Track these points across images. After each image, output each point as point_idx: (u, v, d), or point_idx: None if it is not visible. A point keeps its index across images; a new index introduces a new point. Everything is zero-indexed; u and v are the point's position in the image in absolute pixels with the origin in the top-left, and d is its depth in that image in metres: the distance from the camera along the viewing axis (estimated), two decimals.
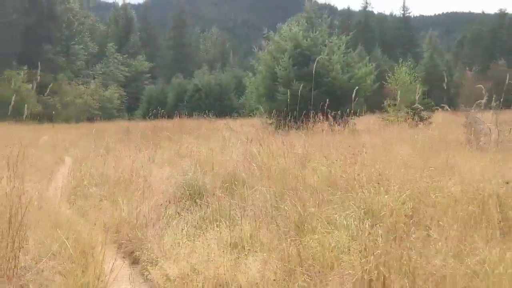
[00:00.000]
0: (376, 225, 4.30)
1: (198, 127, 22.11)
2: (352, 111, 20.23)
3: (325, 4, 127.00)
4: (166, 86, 60.09)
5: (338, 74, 18.82)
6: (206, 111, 47.16)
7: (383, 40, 71.37)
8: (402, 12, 78.54)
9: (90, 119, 51.90)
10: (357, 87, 20.14)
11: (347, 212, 4.76)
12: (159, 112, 39.59)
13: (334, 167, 6.56)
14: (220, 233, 4.96)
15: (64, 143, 17.48)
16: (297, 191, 5.73)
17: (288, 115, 18.35)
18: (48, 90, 56.94)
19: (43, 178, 9.26)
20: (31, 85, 51.86)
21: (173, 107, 57.12)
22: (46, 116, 49.95)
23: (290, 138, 12.78)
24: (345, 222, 4.52)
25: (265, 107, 20.43)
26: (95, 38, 67.68)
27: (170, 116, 52.13)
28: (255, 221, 5.07)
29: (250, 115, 50.29)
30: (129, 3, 75.42)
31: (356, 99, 21.11)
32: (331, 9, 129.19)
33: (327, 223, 4.62)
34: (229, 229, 5.01)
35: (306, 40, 19.44)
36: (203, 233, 5.19)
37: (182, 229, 5.42)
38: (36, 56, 58.06)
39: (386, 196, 4.88)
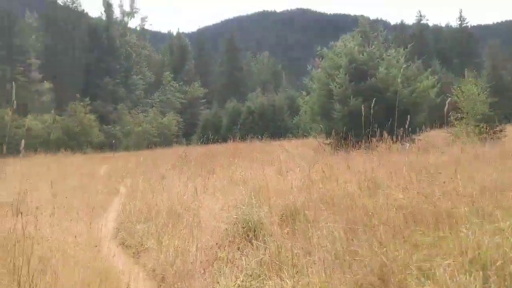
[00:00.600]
0: (489, 280, 3.14)
1: (252, 150, 21.30)
2: (416, 127, 18.86)
3: (377, 19, 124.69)
4: (220, 110, 60.18)
5: (399, 88, 17.47)
6: (260, 133, 46.76)
7: (440, 52, 68.45)
8: (459, 22, 75.32)
9: (150, 146, 52.68)
10: (419, 101, 18.81)
11: (446, 261, 3.59)
12: (213, 136, 39.26)
13: (414, 195, 5.39)
14: (282, 286, 3.95)
15: (122, 171, 17.12)
16: (372, 228, 4.64)
17: (347, 134, 17.22)
18: (109, 120, 58.92)
19: (95, 213, 8.70)
20: (93, 116, 53.78)
21: (228, 131, 56.91)
22: (108, 145, 51.34)
23: (353, 160, 11.65)
24: (446, 275, 3.36)
25: (321, 126, 19.33)
26: (152, 68, 69.39)
27: (224, 140, 52.28)
28: (325, 270, 4.02)
29: (305, 136, 49.28)
30: (182, 32, 77.15)
31: (420, 114, 19.62)
32: (384, 24, 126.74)
33: (421, 275, 3.50)
34: (293, 280, 4.00)
35: (362, 55, 18.29)
36: (261, 285, 4.20)
37: (237, 278, 4.46)
38: (98, 88, 60.26)
39: (497, 237, 3.69)
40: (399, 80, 17.56)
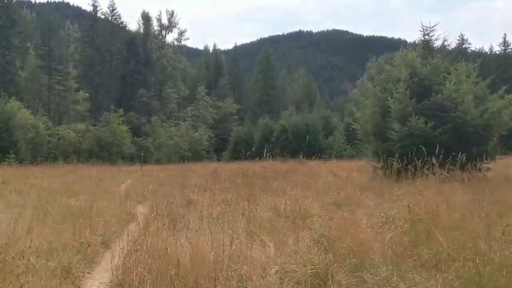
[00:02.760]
0: None
1: (291, 170, 18.56)
2: (487, 153, 15.81)
3: (415, 42, 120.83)
4: (253, 127, 57.80)
5: (468, 107, 14.52)
6: (293, 152, 43.94)
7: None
8: (503, 47, 71.38)
9: (180, 160, 50.63)
10: (492, 123, 15.80)
11: None
12: (246, 153, 36.85)
13: None
14: None
15: (145, 189, 14.60)
16: None
17: (405, 158, 14.35)
18: (141, 132, 57.34)
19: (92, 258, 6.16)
20: (126, 127, 52.23)
21: (260, 148, 54.44)
22: (138, 157, 49.53)
23: (427, 190, 8.82)
24: None
25: (373, 147, 16.44)
26: (186, 82, 67.92)
27: (255, 157, 49.74)
28: None
29: (340, 157, 46.18)
30: (218, 49, 75.68)
31: (491, 138, 16.57)
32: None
33: None
34: None
35: (426, 68, 15.44)
36: None
37: None
38: (132, 100, 58.95)
39: None
40: (470, 97, 14.62)
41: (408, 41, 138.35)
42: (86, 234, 6.72)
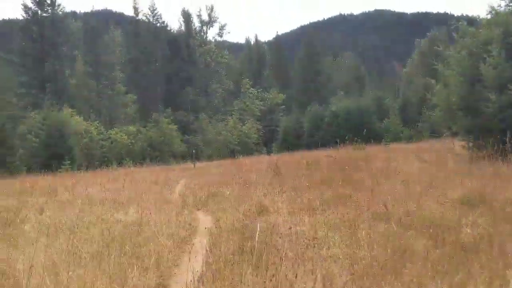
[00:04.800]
0: None
1: (363, 158, 16.04)
2: None
3: (462, 15, 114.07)
4: (301, 115, 55.23)
5: None
6: (347, 138, 41.08)
7: None
8: None
9: (230, 154, 49.02)
10: None
11: None
12: (297, 143, 34.38)
13: None
14: None
15: (201, 192, 12.60)
16: None
17: (507, 134, 11.61)
18: (190, 129, 56.16)
19: None
20: (175, 126, 51.16)
21: (310, 136, 52.02)
22: (189, 154, 48.31)
23: None
24: None
25: (461, 124, 13.68)
26: (230, 76, 66.14)
27: (308, 146, 47.30)
28: None
29: (399, 140, 42.86)
30: (259, 41, 73.15)
31: None
32: (472, 21, 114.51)
33: None
34: None
35: None
36: None
37: None
38: (179, 98, 57.75)
39: None
40: None
41: (456, 15, 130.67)
42: (132, 276, 4.67)
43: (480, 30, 13.69)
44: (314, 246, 4.76)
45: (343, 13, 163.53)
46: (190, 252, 5.26)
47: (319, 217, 6.02)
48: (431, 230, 5.02)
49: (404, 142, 40.71)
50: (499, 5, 13.71)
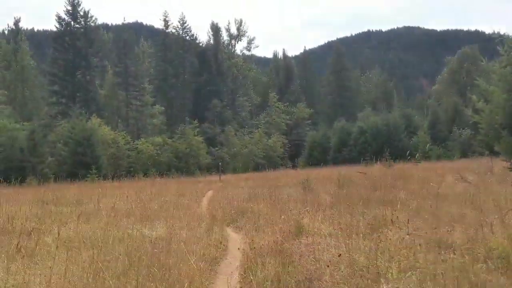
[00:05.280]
0: None
1: (398, 176, 15.22)
2: None
3: (494, 32, 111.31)
4: (328, 130, 54.33)
5: None
6: (375, 155, 39.99)
7: None
8: None
9: (256, 168, 48.47)
10: None
11: None
12: (324, 158, 33.64)
13: None
14: None
15: (230, 207, 12.02)
16: None
17: None
18: (216, 142, 55.95)
19: None
20: (201, 138, 51.03)
21: (337, 152, 51.06)
22: (214, 166, 47.98)
23: None
24: None
25: (504, 143, 12.79)
26: (257, 90, 65.93)
27: (335, 162, 46.31)
28: None
29: (428, 158, 41.50)
30: (287, 55, 72.93)
31: None
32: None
33: None
34: None
35: None
36: None
37: None
38: (206, 110, 57.78)
39: None
40: None
41: (487, 32, 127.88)
42: None
43: None
44: (373, 281, 4.08)
45: (371, 29, 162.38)
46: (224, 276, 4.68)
47: (367, 242, 5.35)
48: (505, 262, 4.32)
49: (434, 161, 39.42)
50: None
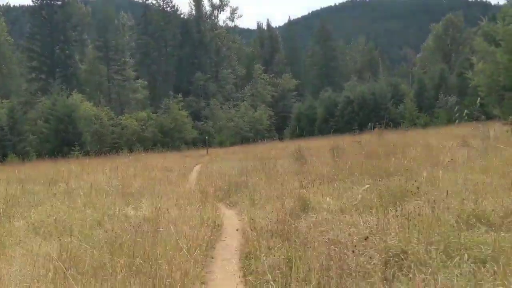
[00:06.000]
0: None
1: (396, 144, 14.43)
2: None
3: (477, 0, 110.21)
4: (314, 101, 53.37)
5: None
6: (362, 124, 39.35)
7: None
8: None
9: (242, 141, 47.61)
10: None
11: None
12: (310, 129, 32.85)
13: None
14: None
15: (221, 182, 11.14)
16: None
17: None
18: (201, 116, 54.70)
19: None
20: (186, 112, 49.72)
21: (324, 123, 50.26)
22: (200, 141, 46.97)
23: None
24: None
25: (509, 106, 12.00)
26: (242, 61, 64.29)
27: (322, 133, 45.60)
28: None
29: (415, 125, 41.04)
30: (271, 25, 70.97)
31: None
32: (484, 5, 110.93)
33: None
34: None
35: None
36: None
37: None
38: (189, 84, 56.23)
39: None
40: None
41: (470, 0, 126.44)
42: None
43: None
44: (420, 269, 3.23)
45: None
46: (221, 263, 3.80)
47: (391, 219, 4.49)
48: None
49: (422, 128, 38.92)
50: None
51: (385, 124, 33.79)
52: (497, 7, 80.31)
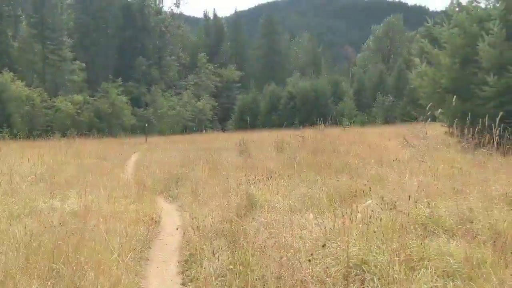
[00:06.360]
0: None
1: (338, 140, 14.41)
2: None
3: (415, 5, 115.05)
4: (258, 94, 53.29)
5: None
6: (303, 119, 39.78)
7: None
8: None
9: (184, 130, 46.58)
10: None
11: None
12: (253, 122, 32.68)
13: None
14: None
15: (161, 173, 10.48)
16: None
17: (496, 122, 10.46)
18: (142, 102, 52.81)
19: None
20: (125, 98, 47.73)
21: (267, 116, 50.37)
22: (140, 128, 45.32)
23: None
24: None
25: (451, 108, 12.20)
26: (186, 50, 62.75)
27: (264, 126, 45.60)
28: None
29: (353, 123, 42.08)
30: (217, 15, 69.87)
31: None
32: (423, 11, 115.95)
33: None
34: None
35: None
36: None
37: None
38: (131, 69, 54.02)
39: None
40: None
41: (409, 4, 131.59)
42: None
43: (479, 4, 12.24)
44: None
45: None
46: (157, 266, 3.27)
47: (345, 221, 4.14)
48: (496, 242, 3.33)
49: (360, 126, 39.94)
50: None
51: (325, 120, 34.29)
52: (435, 12, 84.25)
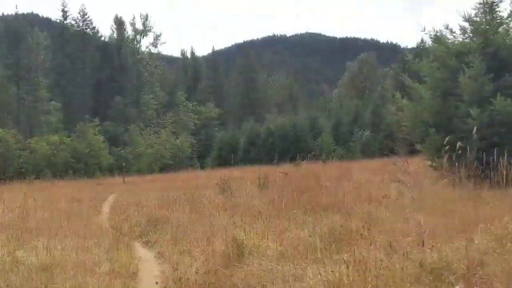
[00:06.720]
0: None
1: (322, 176, 14.04)
2: None
3: (388, 42, 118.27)
4: (237, 131, 53.19)
5: None
6: (281, 155, 39.58)
7: None
8: None
9: (162, 169, 45.71)
10: None
11: None
12: (233, 159, 32.59)
13: None
14: None
15: (138, 216, 9.85)
16: None
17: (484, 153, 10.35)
18: (119, 141, 51.87)
19: None
20: (103, 137, 46.80)
21: (246, 153, 50.10)
22: (118, 168, 44.24)
23: None
24: None
25: (434, 142, 12.02)
26: (164, 88, 62.61)
27: (243, 162, 45.16)
28: None
29: (332, 158, 42.07)
30: (195, 54, 70.48)
31: None
32: (395, 47, 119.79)
33: None
34: None
35: (505, 34, 11.32)
36: None
37: None
38: (108, 108, 53.38)
39: None
40: None
41: (382, 42, 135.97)
42: None
43: (456, 38, 12.34)
44: None
45: (276, 34, 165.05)
46: None
47: (346, 270, 3.67)
48: None
49: (339, 161, 39.90)
50: (475, 14, 12.39)
51: (305, 155, 34.09)
52: (406, 49, 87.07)
